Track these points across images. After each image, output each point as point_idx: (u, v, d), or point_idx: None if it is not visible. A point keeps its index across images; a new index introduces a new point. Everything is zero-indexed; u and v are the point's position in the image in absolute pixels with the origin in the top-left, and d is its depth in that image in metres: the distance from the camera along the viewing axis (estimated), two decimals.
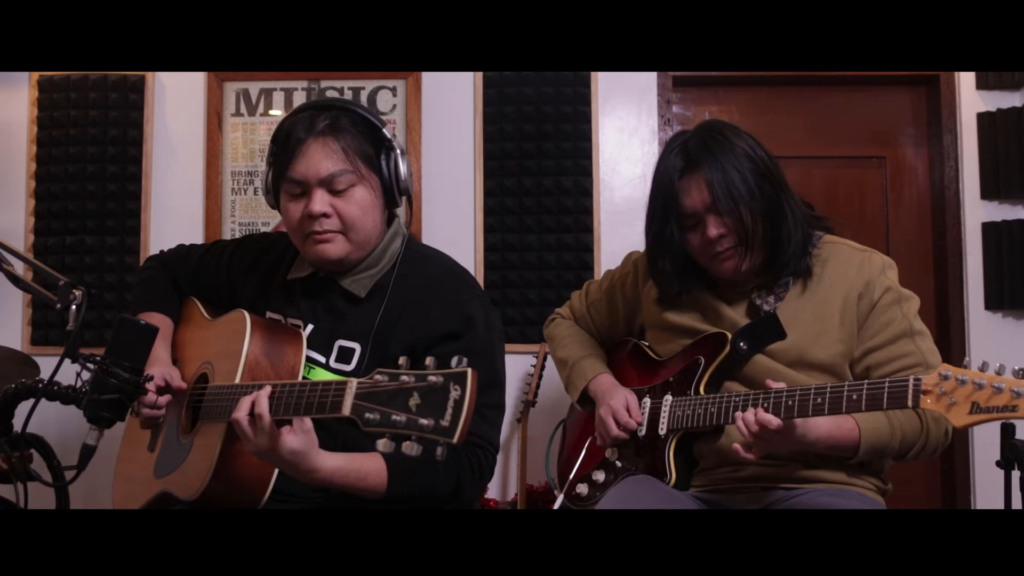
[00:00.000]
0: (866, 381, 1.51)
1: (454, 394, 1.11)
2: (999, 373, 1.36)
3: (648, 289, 1.91)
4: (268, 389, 1.36)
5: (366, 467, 1.45)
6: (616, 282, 2.01)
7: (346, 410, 1.20)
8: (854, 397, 1.50)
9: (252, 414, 1.36)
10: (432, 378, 1.12)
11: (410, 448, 1.12)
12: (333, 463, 1.42)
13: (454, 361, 1.14)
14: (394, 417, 1.13)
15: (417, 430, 1.11)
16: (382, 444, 1.13)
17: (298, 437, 1.35)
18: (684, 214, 1.72)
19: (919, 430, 1.63)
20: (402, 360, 1.19)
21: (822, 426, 1.58)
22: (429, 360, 1.15)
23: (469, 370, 1.12)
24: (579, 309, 2.09)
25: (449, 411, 1.10)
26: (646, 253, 1.87)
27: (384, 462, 1.46)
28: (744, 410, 1.57)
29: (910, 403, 1.44)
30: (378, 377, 1.18)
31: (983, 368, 1.38)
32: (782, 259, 1.71)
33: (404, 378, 1.14)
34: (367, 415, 1.16)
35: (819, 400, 1.52)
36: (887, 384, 1.47)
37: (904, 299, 1.71)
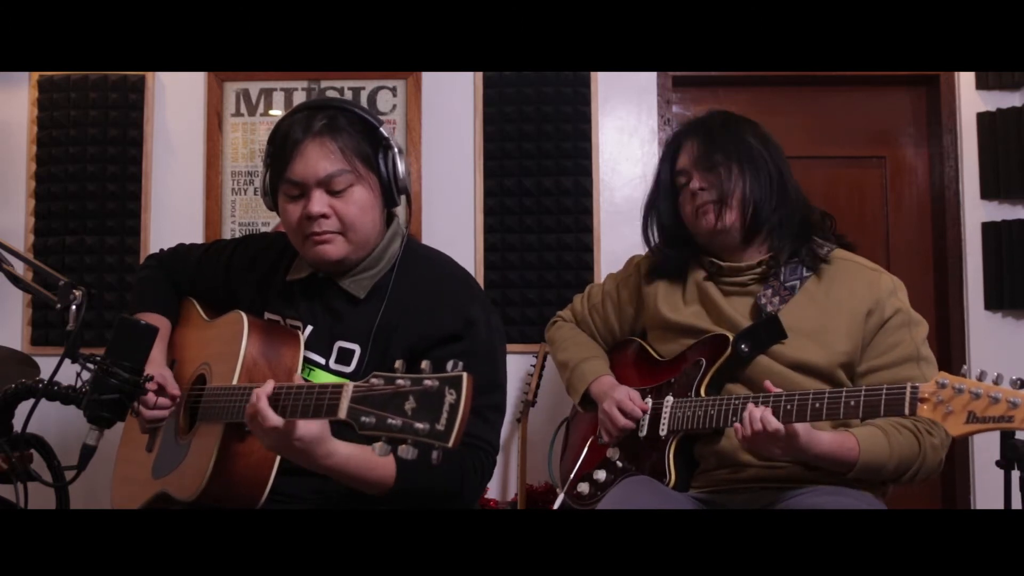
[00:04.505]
0: (864, 388, 1.52)
1: (449, 398, 1.11)
2: (996, 382, 1.36)
3: (650, 290, 1.93)
4: (272, 383, 1.37)
5: (375, 458, 1.44)
6: (618, 284, 2.03)
7: (342, 413, 1.20)
8: (851, 403, 1.52)
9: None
10: (427, 382, 1.12)
11: (406, 451, 1.13)
12: (347, 449, 1.42)
13: (449, 365, 1.14)
14: (389, 420, 1.13)
15: (412, 433, 1.12)
16: (378, 447, 1.14)
17: (311, 425, 1.34)
18: (679, 171, 1.84)
19: (916, 455, 1.64)
20: (398, 363, 1.19)
21: (825, 442, 1.59)
22: (425, 364, 1.16)
23: (464, 374, 1.12)
24: (580, 312, 2.10)
25: (444, 415, 1.10)
26: (644, 220, 1.94)
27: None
28: (744, 411, 1.58)
29: (907, 411, 1.45)
30: (374, 381, 1.18)
31: (981, 377, 1.38)
32: (758, 225, 1.76)
33: (400, 382, 1.15)
34: (363, 418, 1.17)
35: (817, 405, 1.54)
36: (884, 391, 1.48)
37: (914, 323, 1.72)
